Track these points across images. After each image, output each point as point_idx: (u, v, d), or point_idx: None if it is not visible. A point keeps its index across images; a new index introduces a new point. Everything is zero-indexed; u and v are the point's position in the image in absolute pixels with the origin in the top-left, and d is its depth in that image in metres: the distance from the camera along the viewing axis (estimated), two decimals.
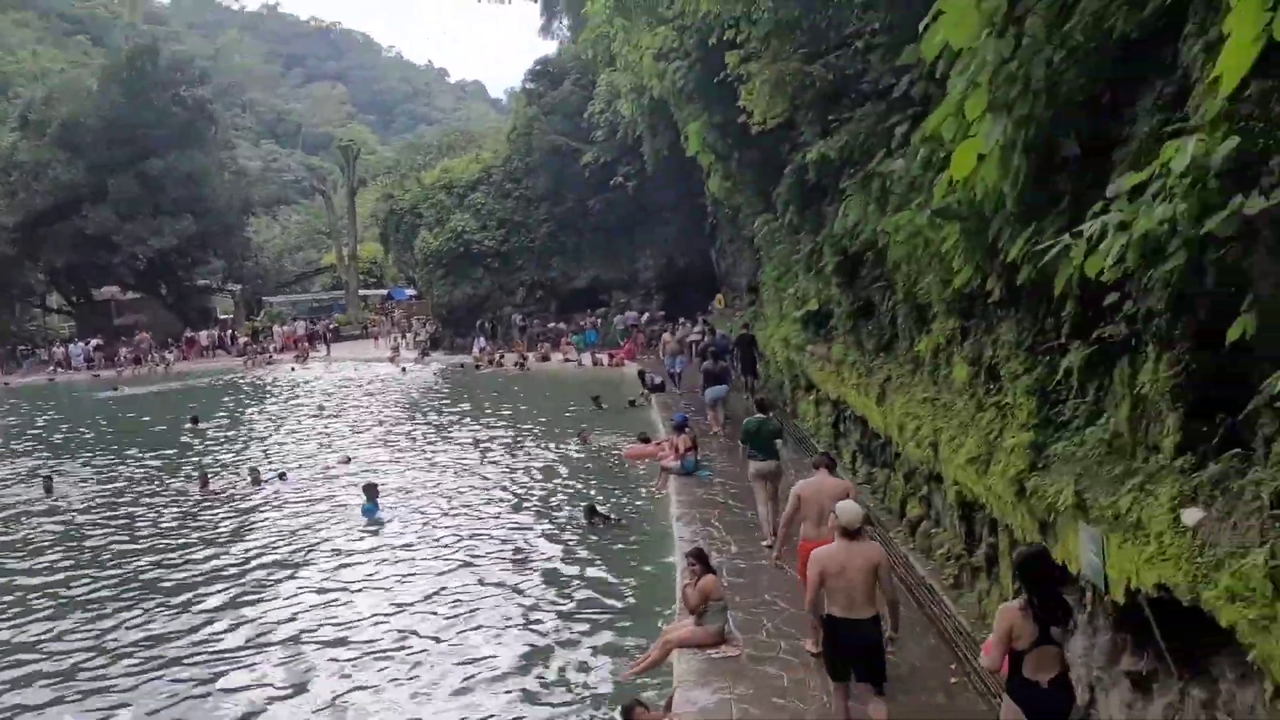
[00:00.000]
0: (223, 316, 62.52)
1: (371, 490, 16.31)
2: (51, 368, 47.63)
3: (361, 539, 14.87)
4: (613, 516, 14.65)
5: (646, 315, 38.52)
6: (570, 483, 17.70)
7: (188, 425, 27.01)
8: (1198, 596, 4.54)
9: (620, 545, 13.70)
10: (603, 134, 35.91)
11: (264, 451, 23.25)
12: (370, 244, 64.79)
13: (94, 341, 50.46)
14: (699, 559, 9.12)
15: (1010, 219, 6.68)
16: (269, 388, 37.46)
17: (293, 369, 42.92)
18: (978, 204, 7.06)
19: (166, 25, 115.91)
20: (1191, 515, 4.77)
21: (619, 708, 8.23)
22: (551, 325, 41.26)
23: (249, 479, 18.64)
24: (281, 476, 18.65)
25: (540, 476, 18.51)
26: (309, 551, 14.35)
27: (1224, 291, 4.53)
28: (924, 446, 10.18)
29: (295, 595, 12.42)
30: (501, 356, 38.22)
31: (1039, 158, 6.39)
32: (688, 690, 8.02)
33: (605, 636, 10.55)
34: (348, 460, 20.48)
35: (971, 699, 7.65)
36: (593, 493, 16.65)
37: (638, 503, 15.98)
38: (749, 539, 12.14)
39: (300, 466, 20.65)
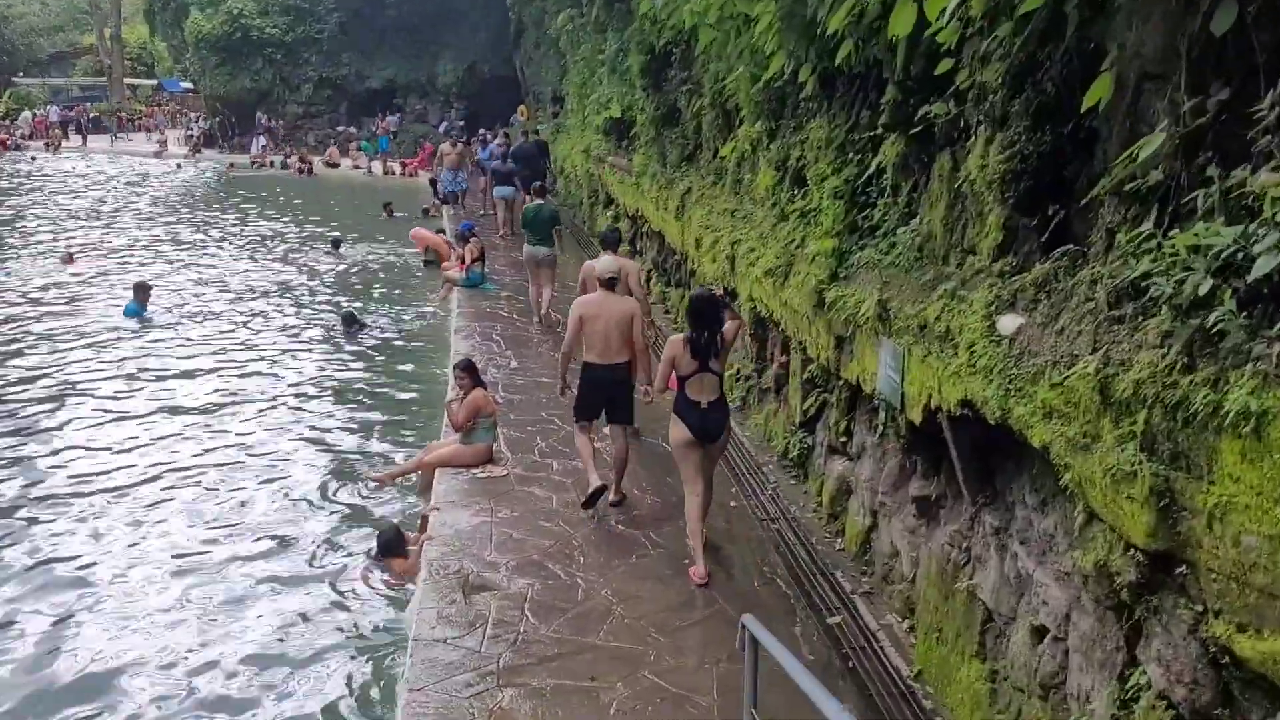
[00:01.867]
0: None
1: (142, 290, 14.57)
2: None
3: (120, 344, 13.09)
4: (369, 323, 13.66)
5: (445, 124, 36.11)
6: (345, 292, 16.25)
7: None
8: (1008, 413, 3.95)
9: (393, 358, 12.60)
10: None
11: None
12: (139, 26, 57.57)
13: None
14: (467, 371, 8.17)
15: None
16: (7, 177, 33.02)
17: (33, 158, 37.98)
18: None
19: None
20: (1009, 322, 4.14)
21: (376, 534, 7.37)
22: (340, 129, 38.16)
23: None
24: None
25: (315, 283, 16.96)
26: (60, 356, 12.49)
27: (1083, 51, 3.77)
28: (720, 261, 9.47)
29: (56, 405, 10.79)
30: (286, 158, 35.10)
31: None
32: (446, 512, 7.18)
33: (367, 452, 9.58)
34: (70, 258, 17.82)
35: (750, 524, 7.17)
36: (356, 302, 15.33)
37: (423, 311, 14.83)
38: (530, 354, 11.29)
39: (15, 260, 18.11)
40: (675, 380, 6.52)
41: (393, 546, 6.89)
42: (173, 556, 7.45)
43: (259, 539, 7.76)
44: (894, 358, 5.36)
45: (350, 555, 7.48)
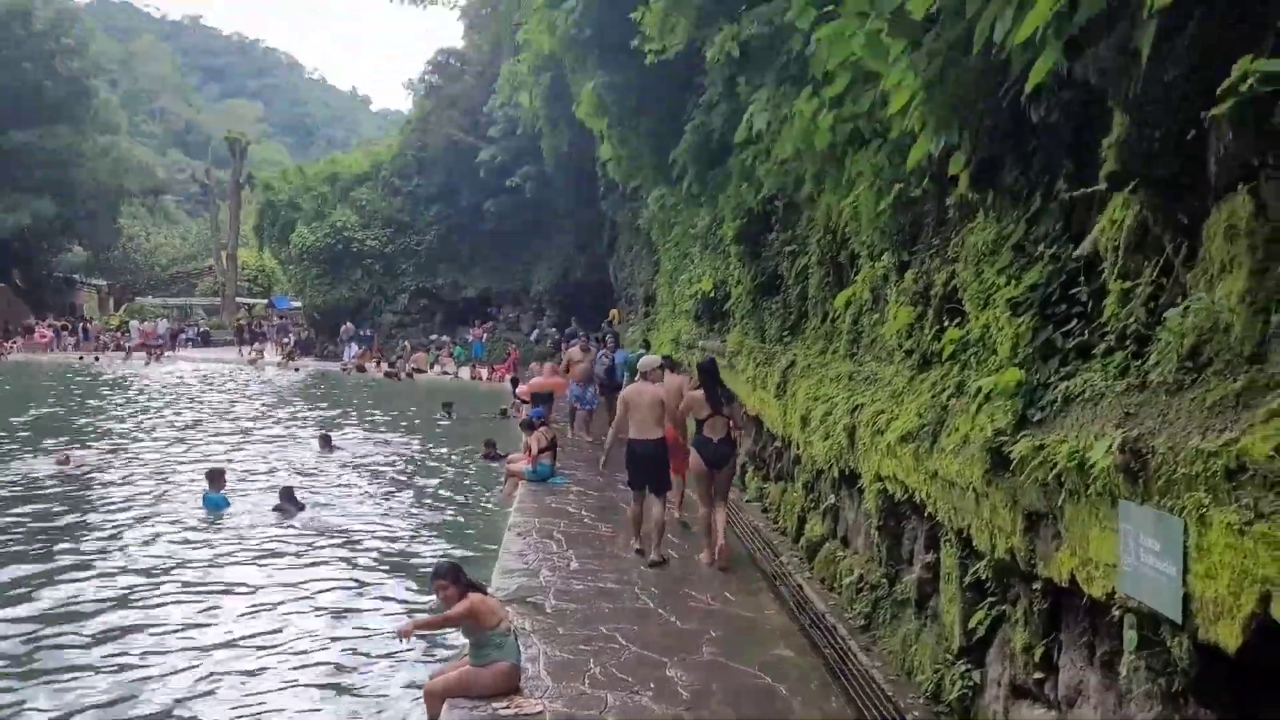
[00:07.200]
0: (90, 317, 57.13)
1: (216, 477, 13.11)
2: None
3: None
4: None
5: (536, 331, 35.37)
6: (407, 479, 14.51)
7: None
8: None
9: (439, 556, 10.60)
10: (501, 131, 32.90)
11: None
12: (256, 249, 60.21)
13: None
14: (448, 577, 5.92)
15: None
16: (91, 381, 32.77)
17: (124, 359, 38.06)
18: None
19: (78, 21, 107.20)
20: None
21: None
22: (433, 337, 37.79)
23: None
24: None
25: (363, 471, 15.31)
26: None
27: None
28: (835, 435, 7.37)
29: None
30: (377, 364, 34.65)
31: None
32: None
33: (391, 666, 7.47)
34: (66, 460, 15.95)
35: None
36: (433, 490, 13.50)
37: (480, 507, 12.95)
38: (593, 554, 9.13)
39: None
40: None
41: None
42: None
43: None
44: (1162, 533, 3.15)
45: None
